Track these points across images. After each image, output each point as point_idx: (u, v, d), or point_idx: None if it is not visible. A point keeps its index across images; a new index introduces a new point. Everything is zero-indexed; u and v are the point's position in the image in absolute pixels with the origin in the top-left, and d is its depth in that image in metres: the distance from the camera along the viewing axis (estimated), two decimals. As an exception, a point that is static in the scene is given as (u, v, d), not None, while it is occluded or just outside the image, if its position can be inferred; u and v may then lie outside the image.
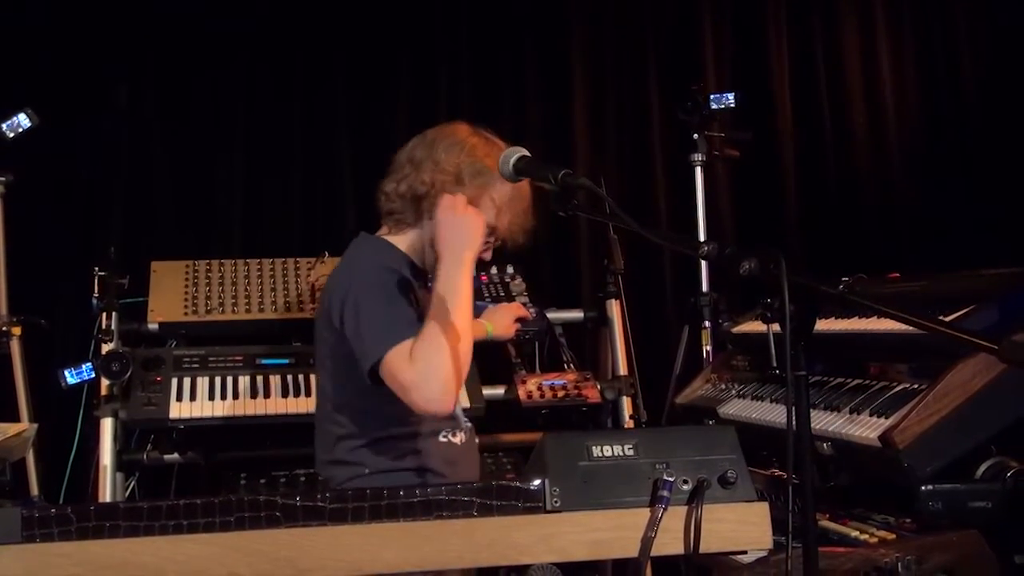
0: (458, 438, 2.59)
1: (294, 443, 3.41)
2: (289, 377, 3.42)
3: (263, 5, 4.49)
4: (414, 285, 2.47)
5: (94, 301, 3.35)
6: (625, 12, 4.98)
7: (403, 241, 2.61)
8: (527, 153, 2.32)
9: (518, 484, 1.52)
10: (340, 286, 2.46)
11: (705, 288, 3.88)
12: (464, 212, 2.37)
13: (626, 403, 3.49)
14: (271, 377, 3.41)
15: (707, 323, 3.78)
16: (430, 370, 2.21)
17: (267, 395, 3.35)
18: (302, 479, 3.25)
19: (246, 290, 3.61)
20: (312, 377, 3.42)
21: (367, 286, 2.40)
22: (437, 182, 2.52)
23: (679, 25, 5.04)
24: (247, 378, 3.40)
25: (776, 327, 1.64)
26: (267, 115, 4.48)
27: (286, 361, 3.48)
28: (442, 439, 2.54)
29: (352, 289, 2.41)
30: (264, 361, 3.47)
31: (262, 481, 3.21)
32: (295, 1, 4.55)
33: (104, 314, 3.34)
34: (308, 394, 3.37)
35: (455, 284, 2.27)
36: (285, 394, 3.36)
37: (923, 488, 2.18)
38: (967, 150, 5.05)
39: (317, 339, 2.60)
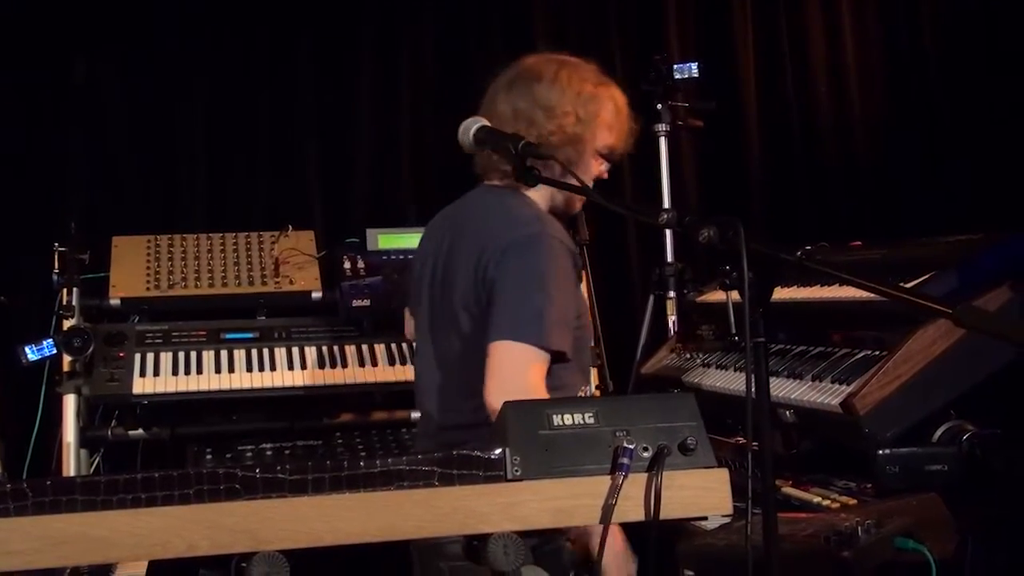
0: (587, 392, 2.60)
1: (260, 417, 3.42)
2: (254, 351, 3.42)
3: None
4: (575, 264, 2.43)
5: (55, 276, 3.33)
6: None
7: (538, 197, 2.55)
8: (487, 123, 2.32)
9: (479, 453, 1.51)
10: (510, 243, 2.34)
11: (670, 258, 3.89)
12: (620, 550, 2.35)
13: (593, 373, 3.49)
14: (235, 352, 3.41)
15: (672, 293, 3.78)
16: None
17: (232, 370, 3.35)
18: (268, 453, 3.25)
19: (209, 264, 3.59)
20: (277, 351, 3.42)
21: (546, 261, 2.31)
22: (560, 128, 2.47)
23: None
24: (211, 353, 3.39)
25: (735, 295, 1.65)
26: (230, 87, 4.43)
27: (250, 335, 3.48)
28: (580, 395, 2.52)
29: (525, 252, 2.32)
30: (228, 336, 3.47)
31: (228, 456, 3.21)
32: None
33: (65, 290, 3.31)
34: (273, 368, 3.37)
35: None
36: (250, 368, 3.36)
37: (880, 452, 2.21)
38: (928, 119, 5.08)
39: (455, 297, 2.46)
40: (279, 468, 1.45)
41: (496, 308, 2.31)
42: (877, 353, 2.43)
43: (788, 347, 2.81)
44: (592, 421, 1.57)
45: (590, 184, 2.51)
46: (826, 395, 2.40)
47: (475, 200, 2.57)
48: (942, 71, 5.08)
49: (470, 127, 2.29)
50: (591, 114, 2.50)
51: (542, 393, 2.25)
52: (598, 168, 2.57)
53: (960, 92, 4.98)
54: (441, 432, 2.48)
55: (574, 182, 2.16)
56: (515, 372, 2.24)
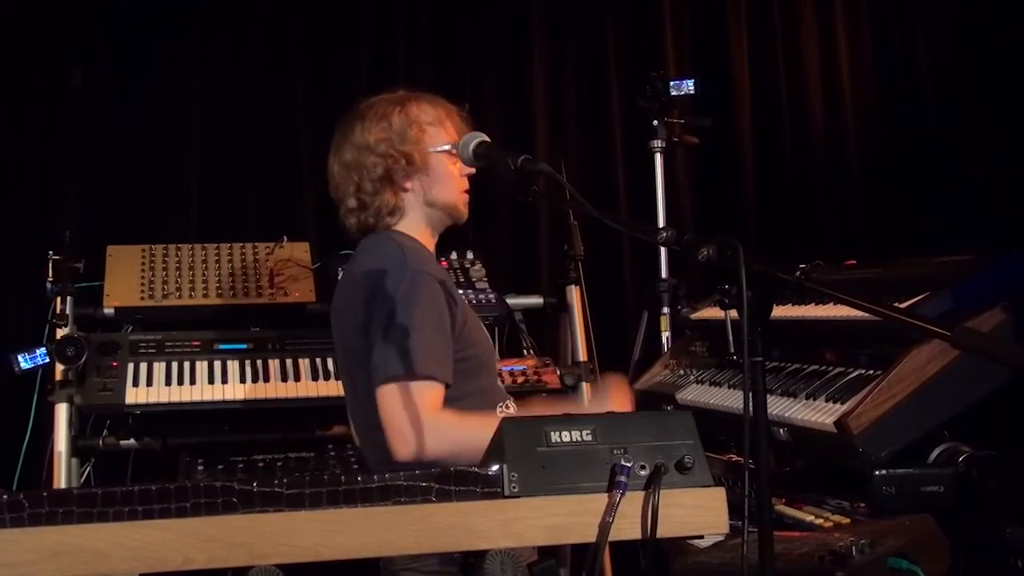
0: (511, 409, 2.55)
1: (252, 429, 3.40)
2: (247, 363, 3.40)
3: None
4: (447, 290, 2.41)
5: (48, 285, 3.32)
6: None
7: (406, 227, 2.55)
8: (486, 138, 2.32)
9: (476, 470, 1.52)
10: (373, 284, 2.35)
11: (664, 274, 3.89)
12: None
13: (586, 389, 3.50)
14: (229, 362, 3.39)
15: (666, 309, 3.79)
16: (450, 441, 2.20)
17: (225, 381, 3.33)
18: (260, 465, 3.24)
19: (203, 275, 3.58)
20: (270, 363, 3.41)
21: (405, 292, 2.31)
22: (389, 156, 2.49)
23: (639, 11, 5.05)
24: (204, 363, 3.38)
25: (733, 313, 1.65)
26: (224, 97, 4.43)
27: (244, 346, 3.46)
28: (499, 411, 2.49)
29: (386, 289, 2.32)
30: (222, 346, 3.44)
31: (220, 467, 3.19)
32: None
33: (59, 298, 3.30)
34: (266, 379, 3.36)
35: None
36: (243, 380, 3.34)
37: (876, 473, 2.22)
38: (922, 137, 5.10)
39: (344, 335, 2.48)
40: (276, 482, 1.45)
41: (381, 344, 2.29)
42: (871, 372, 2.45)
43: (782, 365, 2.82)
44: (590, 439, 1.57)
45: (465, 185, 2.56)
46: (820, 414, 2.41)
47: (355, 260, 2.56)
48: (936, 88, 5.10)
49: (469, 142, 2.28)
50: (404, 125, 2.51)
51: (444, 422, 2.23)
52: (457, 167, 2.54)
53: (955, 109, 5.00)
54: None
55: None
56: (404, 414, 2.22)
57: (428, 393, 2.26)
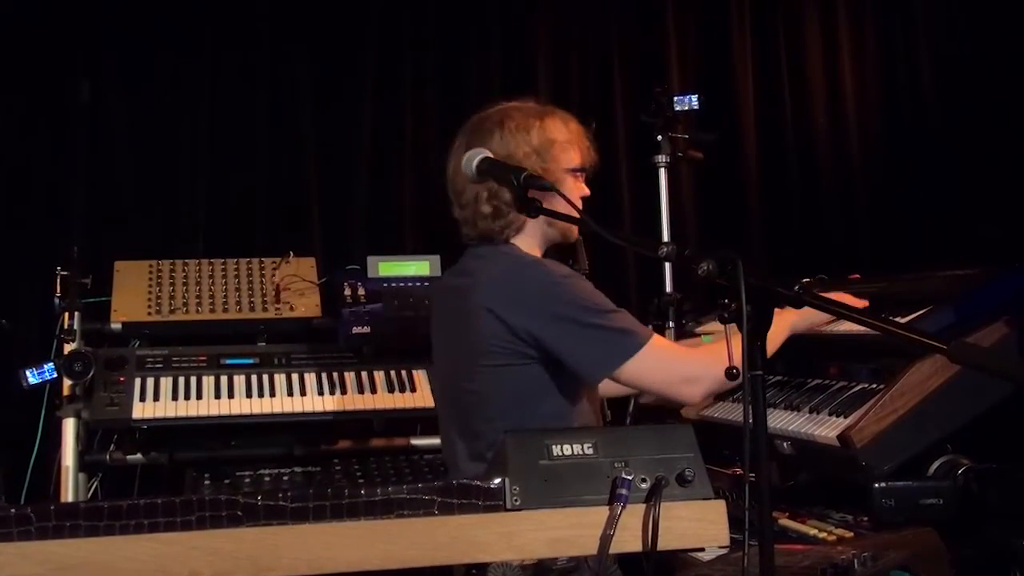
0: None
1: (258, 444, 3.42)
2: (253, 377, 3.43)
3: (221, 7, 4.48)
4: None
5: (56, 300, 3.34)
6: (589, 12, 5.00)
7: (528, 239, 2.58)
8: (490, 154, 2.34)
9: (479, 483, 1.53)
10: (520, 312, 2.40)
11: (669, 288, 3.90)
12: None
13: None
14: (235, 377, 3.42)
15: (671, 323, 3.79)
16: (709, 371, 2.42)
17: (231, 395, 3.35)
18: (266, 479, 3.26)
19: (210, 290, 3.61)
20: (277, 377, 3.43)
21: (564, 302, 2.39)
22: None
23: (643, 26, 5.07)
24: (211, 378, 3.40)
25: (734, 328, 1.67)
26: (232, 114, 4.45)
27: (250, 361, 3.49)
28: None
29: (545, 309, 2.39)
30: (228, 361, 3.48)
31: (226, 482, 3.22)
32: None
33: (66, 313, 3.33)
34: (273, 394, 3.38)
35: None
36: (249, 394, 3.37)
37: (876, 486, 2.22)
38: (927, 150, 5.11)
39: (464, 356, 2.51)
40: (281, 495, 1.46)
41: (578, 355, 2.39)
42: (874, 386, 2.46)
43: (786, 379, 2.83)
44: (591, 452, 1.59)
45: (579, 205, 2.55)
46: (823, 427, 2.42)
47: (472, 267, 2.57)
48: (942, 101, 5.11)
49: (473, 158, 2.31)
50: (546, 143, 2.53)
51: (680, 353, 2.54)
52: (578, 189, 2.60)
53: (961, 123, 5.01)
54: None
55: (573, 212, 2.19)
56: (671, 365, 2.43)
57: (665, 342, 2.53)
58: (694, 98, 3.94)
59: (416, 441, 3.56)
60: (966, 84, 5.02)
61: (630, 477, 1.55)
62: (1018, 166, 4.67)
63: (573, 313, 2.38)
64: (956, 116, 5.02)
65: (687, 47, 5.12)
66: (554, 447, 1.57)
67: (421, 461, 3.43)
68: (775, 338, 2.39)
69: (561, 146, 2.56)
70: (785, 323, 2.58)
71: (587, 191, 2.64)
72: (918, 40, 5.19)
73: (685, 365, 2.45)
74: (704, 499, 1.58)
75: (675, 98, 3.93)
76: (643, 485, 1.56)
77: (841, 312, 1.65)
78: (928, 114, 5.12)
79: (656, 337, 2.44)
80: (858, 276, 3.09)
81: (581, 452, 1.58)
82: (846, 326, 2.59)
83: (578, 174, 2.60)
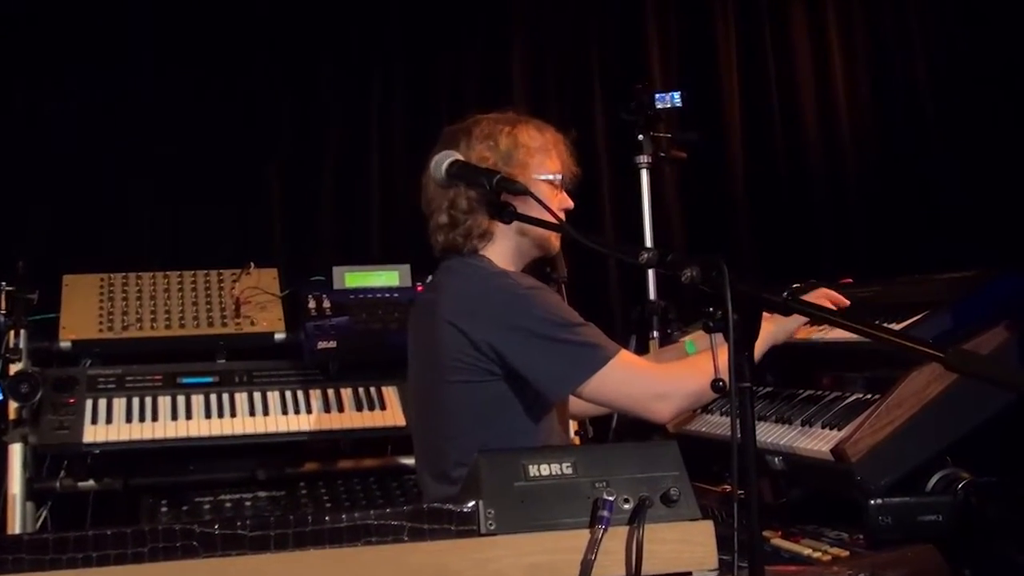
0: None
1: (219, 467, 3.39)
2: (212, 397, 3.40)
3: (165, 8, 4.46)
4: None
5: (1, 317, 3.30)
6: (566, 8, 5.01)
7: (501, 251, 2.58)
8: (460, 157, 2.34)
9: (451, 507, 1.52)
10: (482, 326, 2.41)
11: (652, 295, 3.90)
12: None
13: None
14: (193, 397, 3.39)
15: (655, 332, 3.79)
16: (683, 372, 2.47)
17: (189, 416, 3.33)
18: (227, 505, 3.24)
19: (166, 305, 3.58)
20: (238, 396, 3.41)
21: (528, 315, 2.40)
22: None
23: (623, 21, 5.08)
24: (167, 399, 3.38)
25: (720, 337, 1.66)
26: (187, 117, 4.42)
27: (209, 380, 3.47)
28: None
29: (507, 322, 2.39)
30: (186, 380, 3.45)
31: (184, 508, 3.20)
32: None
33: (12, 331, 3.29)
34: (233, 414, 3.35)
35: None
36: (208, 415, 3.34)
37: (872, 503, 2.22)
38: (921, 149, 5.13)
39: (424, 365, 2.56)
40: (239, 524, 1.45)
41: (540, 369, 2.39)
42: (869, 397, 2.46)
43: (776, 390, 2.83)
44: (570, 471, 1.58)
45: (561, 217, 2.54)
46: (816, 441, 2.42)
47: (439, 281, 2.59)
48: (935, 95, 5.14)
49: (442, 161, 2.31)
50: (512, 148, 2.53)
51: (648, 368, 2.52)
52: (557, 199, 2.59)
53: (955, 121, 5.04)
54: None
55: (550, 218, 2.18)
56: (637, 381, 2.42)
57: (634, 357, 2.52)
58: (677, 95, 3.95)
59: (387, 462, 3.54)
60: (962, 80, 5.05)
61: (612, 498, 1.54)
62: (1018, 164, 4.69)
63: (536, 326, 2.38)
64: (952, 113, 5.04)
65: (669, 42, 5.13)
66: (530, 467, 1.56)
67: (392, 483, 3.41)
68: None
69: (531, 152, 2.55)
70: (763, 335, 2.56)
71: (569, 203, 2.64)
72: (911, 35, 5.22)
73: (654, 381, 2.45)
74: (691, 520, 1.58)
75: (657, 95, 3.94)
76: (626, 506, 1.55)
77: (836, 321, 1.65)
78: (923, 111, 5.15)
79: (624, 352, 2.44)
80: (850, 280, 3.10)
81: (559, 472, 1.57)
82: (838, 333, 2.59)
83: (555, 183, 2.59)
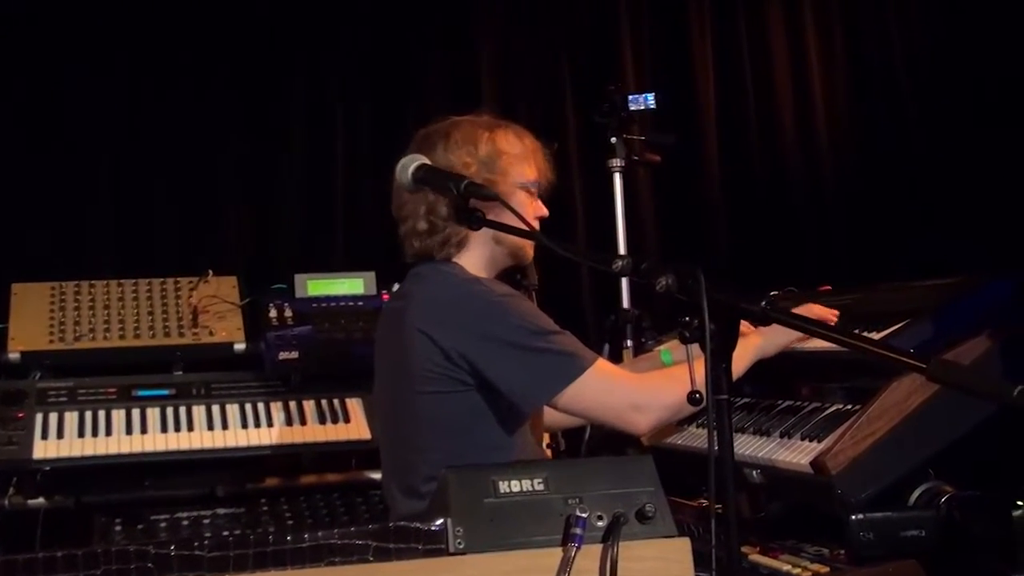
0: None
1: (176, 483, 3.36)
2: (169, 410, 3.37)
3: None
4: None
5: (-54, 330, 3.28)
6: (536, 7, 5.02)
7: (474, 259, 2.58)
8: (427, 160, 2.33)
9: (418, 525, 1.51)
10: (453, 334, 2.41)
11: (626, 304, 3.91)
12: None
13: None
14: (149, 410, 3.36)
15: (629, 342, 3.80)
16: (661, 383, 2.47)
17: (144, 431, 3.30)
18: (185, 523, 3.21)
19: (120, 314, 3.55)
20: (195, 409, 3.39)
21: (501, 323, 2.40)
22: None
23: (594, 21, 5.09)
24: (122, 412, 3.34)
25: (696, 348, 1.67)
26: (146, 128, 4.40)
27: (165, 393, 3.43)
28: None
29: (479, 330, 2.39)
30: (141, 393, 3.41)
31: (139, 527, 3.15)
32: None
33: (-43, 344, 3.27)
34: (191, 428, 3.33)
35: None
36: (165, 429, 3.31)
37: (853, 517, 2.23)
38: (902, 151, 5.17)
39: (395, 375, 2.55)
40: (197, 544, 1.44)
41: (513, 379, 2.38)
42: (849, 407, 2.47)
43: (754, 401, 2.84)
44: (542, 488, 1.57)
45: (535, 225, 2.55)
46: (795, 453, 2.43)
47: (409, 288, 2.59)
48: (917, 98, 5.18)
49: (408, 165, 2.30)
50: (492, 154, 2.55)
51: (626, 378, 2.49)
52: (532, 206, 2.61)
53: (938, 121, 5.07)
54: None
55: (521, 224, 2.18)
56: (614, 391, 2.43)
57: (611, 366, 2.52)
58: (650, 97, 3.97)
59: (352, 477, 3.52)
60: (944, 78, 5.09)
61: (585, 515, 1.54)
62: (1004, 164, 4.73)
63: (510, 334, 2.38)
64: (936, 112, 5.08)
65: (642, 42, 5.15)
66: (501, 483, 1.56)
67: (357, 499, 3.39)
68: (738, 363, 2.39)
69: (511, 159, 2.57)
70: (750, 347, 2.58)
71: (544, 211, 2.66)
72: (891, 33, 5.26)
73: (632, 391, 2.45)
74: (667, 536, 1.58)
75: (630, 97, 3.96)
76: (599, 523, 1.55)
77: (813, 330, 1.66)
78: (905, 110, 5.18)
79: (601, 361, 2.45)
80: (829, 288, 3.12)
81: (531, 488, 1.57)
82: (818, 342, 2.59)
83: (531, 190, 2.61)
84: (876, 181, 5.15)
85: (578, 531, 1.52)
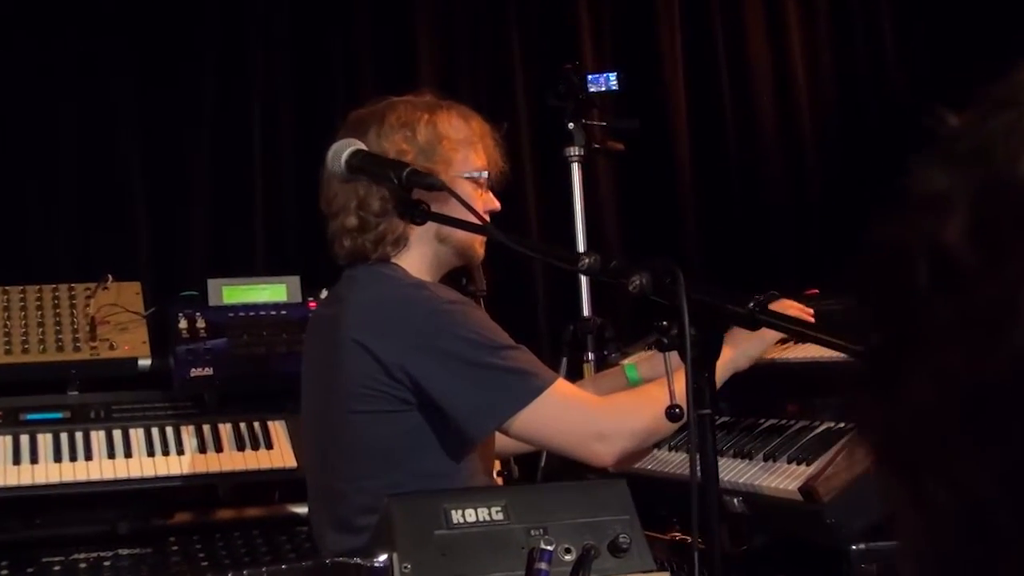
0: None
1: (72, 521, 3.35)
2: (63, 436, 3.36)
3: None
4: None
5: None
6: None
7: (414, 259, 2.58)
8: (363, 146, 2.32)
9: (359, 561, 1.50)
10: (394, 345, 2.40)
11: (587, 312, 3.92)
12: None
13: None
14: (39, 436, 3.35)
15: (590, 355, 3.81)
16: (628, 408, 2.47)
17: (35, 460, 3.28)
18: (82, 566, 3.19)
19: (5, 326, 3.52)
20: (94, 435, 3.36)
21: (448, 334, 2.39)
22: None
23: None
24: (7, 438, 3.32)
25: (675, 357, 1.66)
26: (32, 121, 4.34)
27: (59, 416, 3.42)
28: None
29: (423, 342, 2.38)
30: (30, 416, 3.40)
31: (30, 571, 3.14)
32: None
33: None
34: (89, 457, 3.31)
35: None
36: (58, 458, 3.30)
37: (853, 548, 2.23)
38: (891, 139, 5.22)
39: (319, 388, 2.56)
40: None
41: (460, 400, 2.37)
42: (842, 426, 2.48)
43: (734, 420, 2.85)
44: (500, 517, 1.57)
45: (481, 214, 2.55)
46: (781, 478, 2.44)
47: (342, 293, 2.58)
48: (907, 77, 5.24)
49: (342, 151, 2.29)
50: (433, 139, 2.55)
51: (588, 402, 2.49)
52: (481, 199, 2.60)
53: (929, 106, 5.13)
54: None
55: (472, 218, 2.17)
56: (564, 418, 2.41)
57: (572, 388, 2.54)
58: (612, 77, 3.98)
59: (275, 511, 3.51)
60: (938, 64, 5.15)
61: (551, 547, 1.53)
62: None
63: (457, 348, 2.37)
64: (927, 97, 5.12)
65: (603, 15, 5.16)
66: (453, 512, 1.55)
67: (281, 536, 3.38)
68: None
69: (455, 144, 2.57)
70: (721, 362, 2.57)
71: (496, 204, 2.67)
72: (880, 14, 5.31)
73: (595, 417, 2.44)
74: (644, 572, 1.57)
75: (589, 77, 3.96)
76: (567, 557, 1.55)
77: (811, 335, 1.66)
78: (893, 89, 5.24)
79: (560, 382, 2.45)
80: (815, 291, 3.14)
81: (488, 518, 1.56)
82: (804, 351, 2.61)
83: (479, 181, 2.61)
84: (865, 172, 5.20)
85: (543, 566, 1.51)
